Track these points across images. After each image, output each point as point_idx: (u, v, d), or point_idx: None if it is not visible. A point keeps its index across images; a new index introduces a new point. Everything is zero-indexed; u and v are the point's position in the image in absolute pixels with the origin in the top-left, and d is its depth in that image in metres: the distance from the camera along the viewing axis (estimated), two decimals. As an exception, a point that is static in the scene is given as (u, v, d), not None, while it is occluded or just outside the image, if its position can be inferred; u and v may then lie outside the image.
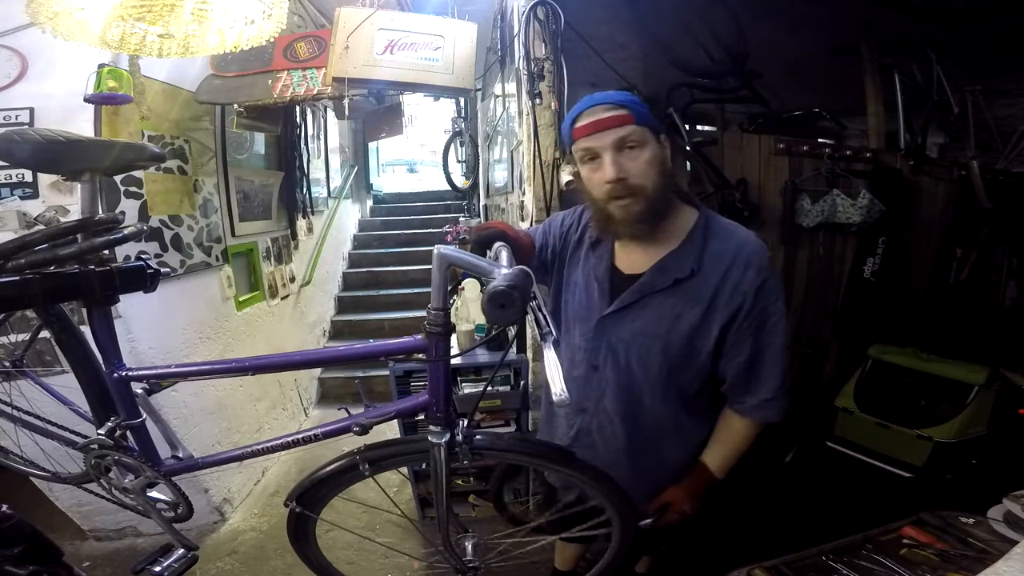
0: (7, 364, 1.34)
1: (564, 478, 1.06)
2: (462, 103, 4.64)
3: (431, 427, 0.90)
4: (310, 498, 1.03)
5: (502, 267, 0.71)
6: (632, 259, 1.02)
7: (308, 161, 3.67)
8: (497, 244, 0.88)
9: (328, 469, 0.99)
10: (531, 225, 1.93)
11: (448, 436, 0.89)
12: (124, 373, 1.03)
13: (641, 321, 0.99)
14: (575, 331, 1.09)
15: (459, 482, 2.21)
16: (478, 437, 0.93)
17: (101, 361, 1.06)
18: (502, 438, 0.99)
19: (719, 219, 1.01)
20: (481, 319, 2.70)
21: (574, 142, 0.95)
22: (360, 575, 1.99)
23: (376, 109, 2.95)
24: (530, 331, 2.01)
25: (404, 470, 2.09)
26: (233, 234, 2.70)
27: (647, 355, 1.00)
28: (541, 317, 0.73)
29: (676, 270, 0.95)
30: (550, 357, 0.70)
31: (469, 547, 1.08)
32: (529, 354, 2.05)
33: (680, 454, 1.09)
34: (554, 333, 0.72)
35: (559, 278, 1.14)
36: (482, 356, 2.05)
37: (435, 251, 0.77)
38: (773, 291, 0.95)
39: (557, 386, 0.69)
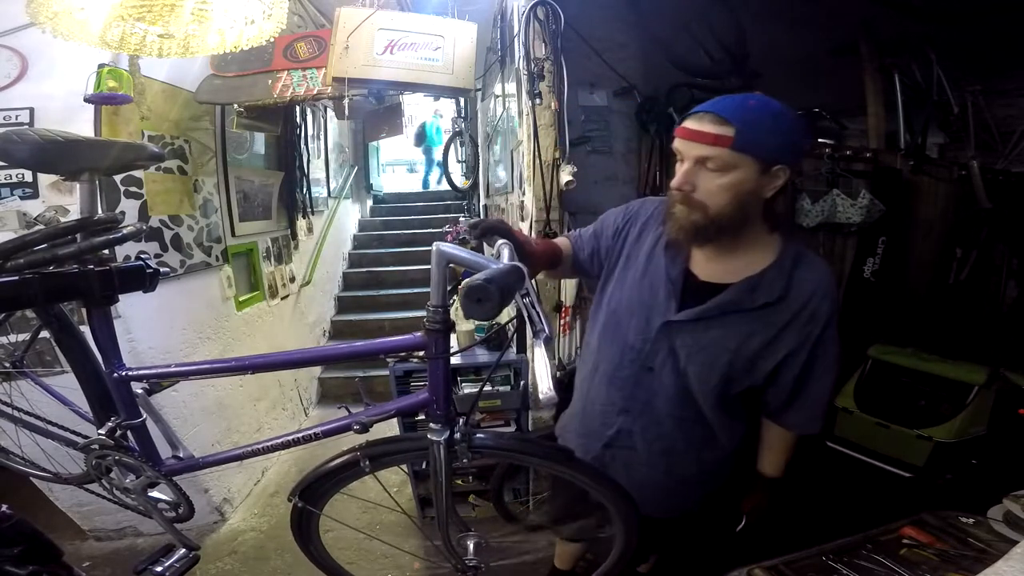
0: (7, 364, 1.34)
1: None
2: (462, 103, 4.63)
3: (431, 425, 0.90)
4: (312, 493, 1.03)
5: (500, 264, 0.71)
6: (711, 268, 1.00)
7: (308, 161, 3.67)
8: (500, 242, 0.87)
9: (330, 465, 0.99)
10: (531, 225, 1.93)
11: (448, 434, 0.89)
12: (124, 373, 1.03)
13: (715, 333, 0.98)
14: (628, 329, 1.05)
15: (459, 482, 2.21)
16: (478, 435, 0.93)
17: (101, 361, 1.06)
18: (502, 437, 0.99)
19: (805, 250, 1.02)
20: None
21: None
22: (360, 574, 1.98)
23: (376, 109, 2.95)
24: (529, 332, 2.01)
25: (405, 468, 2.10)
26: (233, 234, 2.70)
27: (710, 366, 0.99)
28: (535, 313, 0.72)
29: (766, 293, 0.95)
30: (539, 355, 0.70)
31: (470, 546, 1.08)
32: (529, 354, 2.05)
33: (715, 457, 1.12)
34: (547, 331, 0.72)
35: (608, 274, 1.12)
36: (482, 356, 2.05)
37: (434, 248, 0.78)
38: (835, 323, 0.98)
39: (544, 384, 0.68)
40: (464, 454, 0.91)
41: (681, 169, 0.91)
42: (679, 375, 1.02)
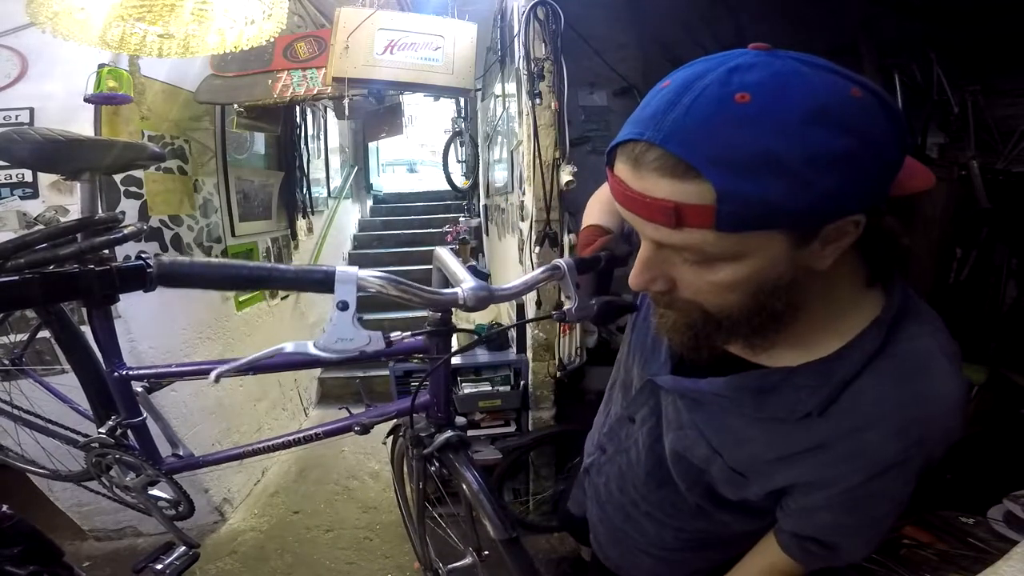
0: (7, 363, 1.34)
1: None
2: (462, 103, 4.63)
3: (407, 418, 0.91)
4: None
5: (468, 281, 0.68)
6: None
7: (308, 161, 3.67)
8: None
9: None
10: (531, 225, 1.93)
11: (412, 430, 0.88)
12: (124, 372, 1.03)
13: (699, 417, 0.67)
14: (635, 364, 0.81)
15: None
16: (457, 456, 0.87)
17: (101, 360, 1.06)
18: (479, 475, 0.87)
19: (905, 340, 0.56)
20: (481, 319, 2.70)
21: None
22: (360, 575, 1.99)
23: (376, 109, 2.96)
24: (529, 331, 2.02)
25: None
26: (233, 234, 2.70)
27: (685, 450, 0.70)
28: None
29: (785, 404, 0.58)
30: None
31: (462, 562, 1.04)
32: (529, 354, 2.05)
33: (677, 544, 0.81)
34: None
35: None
36: (482, 356, 2.06)
37: (435, 252, 0.78)
38: (906, 478, 0.59)
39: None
40: (431, 459, 0.88)
41: (638, 256, 0.54)
42: (654, 442, 0.76)
